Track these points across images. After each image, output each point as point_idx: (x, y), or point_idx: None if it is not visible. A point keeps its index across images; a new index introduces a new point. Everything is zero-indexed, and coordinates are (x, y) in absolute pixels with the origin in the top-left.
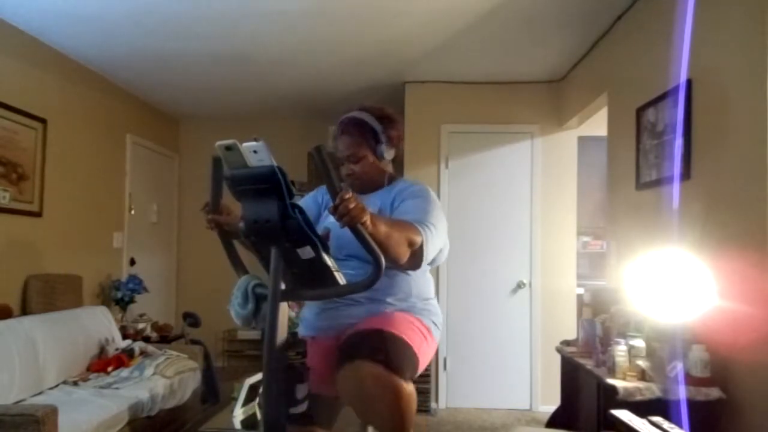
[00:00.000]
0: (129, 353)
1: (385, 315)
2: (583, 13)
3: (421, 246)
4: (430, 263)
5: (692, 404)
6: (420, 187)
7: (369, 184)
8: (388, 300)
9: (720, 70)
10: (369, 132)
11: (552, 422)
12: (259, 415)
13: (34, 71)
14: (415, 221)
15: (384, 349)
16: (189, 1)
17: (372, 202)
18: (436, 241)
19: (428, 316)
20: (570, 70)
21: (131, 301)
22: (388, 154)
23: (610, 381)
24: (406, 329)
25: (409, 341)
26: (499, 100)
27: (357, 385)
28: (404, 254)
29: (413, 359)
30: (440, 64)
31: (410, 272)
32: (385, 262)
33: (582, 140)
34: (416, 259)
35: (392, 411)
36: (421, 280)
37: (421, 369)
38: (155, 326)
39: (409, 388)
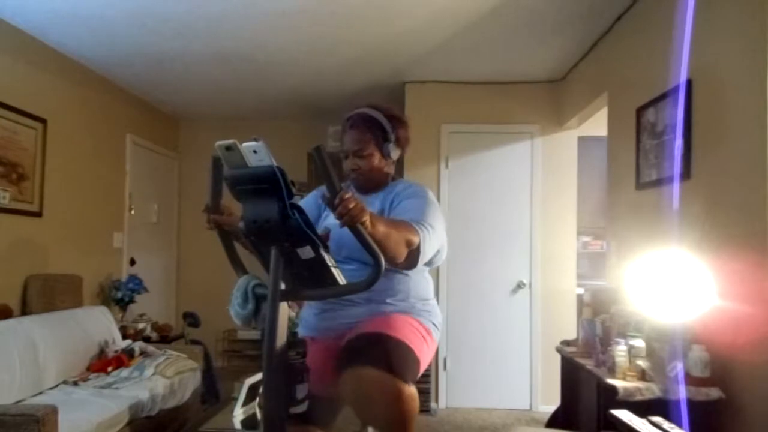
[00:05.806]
0: (129, 353)
1: (385, 316)
2: (583, 13)
3: (419, 246)
4: (428, 264)
5: (692, 404)
6: (419, 188)
7: (371, 183)
8: (387, 301)
9: (720, 70)
10: (378, 129)
11: (552, 422)
12: (259, 415)
13: (34, 71)
14: (413, 221)
15: (386, 354)
16: (189, 1)
17: (372, 203)
18: (433, 242)
19: (428, 318)
20: (570, 70)
21: (131, 301)
22: (395, 153)
23: (610, 381)
24: (407, 332)
25: (410, 344)
26: (499, 100)
27: (359, 389)
28: (402, 254)
29: (414, 362)
30: (440, 64)
31: (409, 273)
32: (383, 261)
33: (582, 140)
34: (412, 259)
35: (394, 413)
36: (421, 281)
37: (421, 371)
38: (155, 326)
39: (411, 390)
